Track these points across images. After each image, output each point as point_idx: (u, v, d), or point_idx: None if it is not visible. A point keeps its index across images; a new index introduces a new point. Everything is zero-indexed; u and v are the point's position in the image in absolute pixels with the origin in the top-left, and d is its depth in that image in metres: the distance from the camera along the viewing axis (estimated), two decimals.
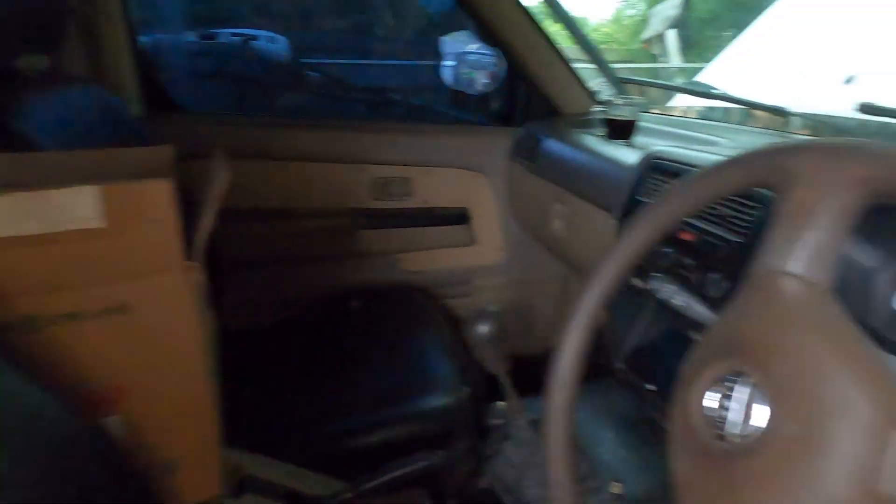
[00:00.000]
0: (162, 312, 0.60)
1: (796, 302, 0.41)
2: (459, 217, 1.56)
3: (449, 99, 1.72)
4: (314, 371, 1.14)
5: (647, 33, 2.06)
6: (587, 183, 1.16)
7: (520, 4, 1.37)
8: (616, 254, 0.57)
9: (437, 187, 1.51)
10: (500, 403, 1.12)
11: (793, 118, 1.13)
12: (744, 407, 0.41)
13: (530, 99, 1.52)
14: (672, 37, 1.89)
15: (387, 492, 0.93)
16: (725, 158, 0.50)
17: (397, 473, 0.94)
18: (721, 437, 0.42)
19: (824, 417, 0.37)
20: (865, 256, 0.72)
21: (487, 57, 1.44)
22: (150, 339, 0.60)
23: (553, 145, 1.35)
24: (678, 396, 0.46)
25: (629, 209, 0.98)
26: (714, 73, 1.63)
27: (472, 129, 1.64)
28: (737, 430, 0.41)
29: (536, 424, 1.07)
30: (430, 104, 1.80)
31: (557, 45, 1.44)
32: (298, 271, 1.48)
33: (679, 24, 1.90)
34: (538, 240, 1.49)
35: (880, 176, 0.38)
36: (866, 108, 0.93)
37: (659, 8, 1.98)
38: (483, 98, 1.56)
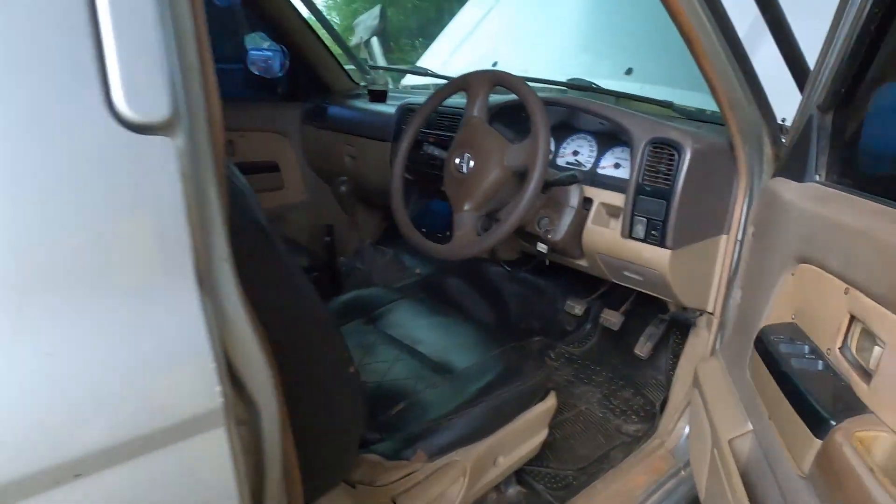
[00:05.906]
0: None
1: (473, 123, 1.16)
2: (271, 168, 2.11)
3: (253, 83, 2.18)
4: None
5: (354, 40, 2.31)
6: (368, 127, 1.85)
7: (297, 12, 1.97)
8: (411, 127, 1.27)
9: (252, 147, 2.04)
10: None
11: None
12: (466, 162, 1.14)
13: (309, 81, 2.14)
14: (376, 43, 2.24)
15: None
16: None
17: None
18: (461, 172, 1.15)
19: (489, 156, 1.12)
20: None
21: (277, 51, 2.01)
22: None
23: (336, 110, 2.00)
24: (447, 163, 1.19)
25: (396, 135, 1.69)
26: (429, 61, 2.45)
27: (274, 104, 2.19)
28: (465, 170, 1.14)
29: None
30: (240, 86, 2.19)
31: (325, 43, 2.08)
32: None
33: (380, 33, 2.22)
34: (331, 177, 2.11)
35: (496, 79, 1.15)
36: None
37: (361, 19, 2.31)
38: (277, 81, 2.11)
